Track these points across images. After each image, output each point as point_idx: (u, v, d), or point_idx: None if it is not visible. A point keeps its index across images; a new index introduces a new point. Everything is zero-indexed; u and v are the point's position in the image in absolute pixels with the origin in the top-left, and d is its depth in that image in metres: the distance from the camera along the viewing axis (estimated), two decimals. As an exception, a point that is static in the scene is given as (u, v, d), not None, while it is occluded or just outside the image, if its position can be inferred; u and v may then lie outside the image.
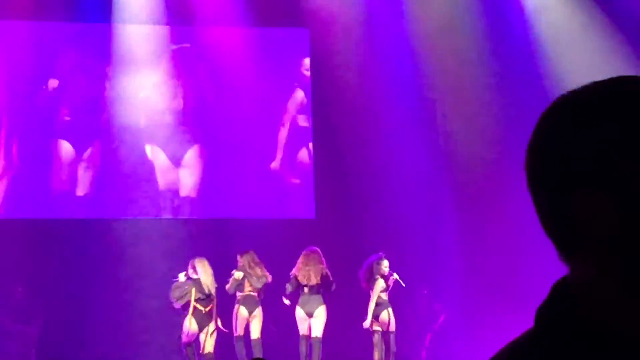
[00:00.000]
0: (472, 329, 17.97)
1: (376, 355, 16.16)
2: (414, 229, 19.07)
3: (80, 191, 18.67)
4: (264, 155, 19.44)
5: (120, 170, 18.79)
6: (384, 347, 16.16)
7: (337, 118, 19.43)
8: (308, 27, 19.71)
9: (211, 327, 15.76)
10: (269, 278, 16.26)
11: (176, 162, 19.15)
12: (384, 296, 16.21)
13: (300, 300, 16.21)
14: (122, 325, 17.54)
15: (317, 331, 16.06)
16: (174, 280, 15.93)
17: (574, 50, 19.12)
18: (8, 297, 17.02)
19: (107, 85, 18.95)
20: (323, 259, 16.28)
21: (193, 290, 15.69)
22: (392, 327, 16.14)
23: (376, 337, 16.19)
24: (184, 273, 15.90)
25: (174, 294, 15.79)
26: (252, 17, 19.29)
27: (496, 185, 19.33)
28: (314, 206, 19.55)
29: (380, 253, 16.32)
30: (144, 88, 19.12)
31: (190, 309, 15.67)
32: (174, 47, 19.25)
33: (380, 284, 16.10)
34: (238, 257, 16.41)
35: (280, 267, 17.93)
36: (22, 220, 18.31)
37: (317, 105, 19.69)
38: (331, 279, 16.15)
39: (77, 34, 18.92)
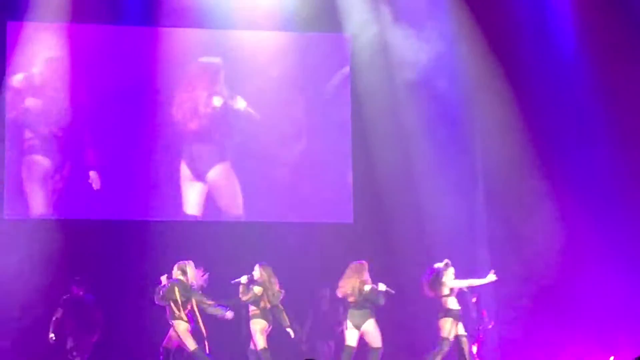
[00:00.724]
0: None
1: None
2: (451, 235, 19.02)
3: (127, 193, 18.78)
4: (301, 159, 19.46)
5: (162, 173, 18.90)
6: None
7: (376, 122, 19.42)
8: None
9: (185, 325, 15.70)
10: (282, 294, 16.27)
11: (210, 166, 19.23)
12: (454, 305, 16.31)
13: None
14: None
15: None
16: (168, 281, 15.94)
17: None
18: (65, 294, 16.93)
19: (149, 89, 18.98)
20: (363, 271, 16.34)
21: (177, 290, 15.70)
22: (462, 332, 16.31)
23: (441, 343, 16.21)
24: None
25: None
26: (291, 21, 19.36)
27: (533, 188, 19.28)
28: (352, 210, 19.46)
29: (446, 260, 16.39)
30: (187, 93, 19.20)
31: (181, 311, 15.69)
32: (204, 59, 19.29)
33: (445, 290, 16.18)
34: (259, 269, 16.32)
35: (315, 271, 18.00)
36: (74, 221, 18.38)
37: (356, 109, 19.66)
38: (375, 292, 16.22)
39: (120, 37, 18.96)
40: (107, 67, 18.64)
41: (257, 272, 16.20)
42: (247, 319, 16.26)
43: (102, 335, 16.98)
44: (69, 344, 16.77)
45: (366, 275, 16.27)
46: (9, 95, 18.30)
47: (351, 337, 16.16)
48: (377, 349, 16.24)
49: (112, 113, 18.64)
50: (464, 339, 16.23)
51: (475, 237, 19.34)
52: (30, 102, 18.34)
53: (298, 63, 19.48)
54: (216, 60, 19.24)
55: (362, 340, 16.22)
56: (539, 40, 19.68)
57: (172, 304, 15.63)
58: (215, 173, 19.20)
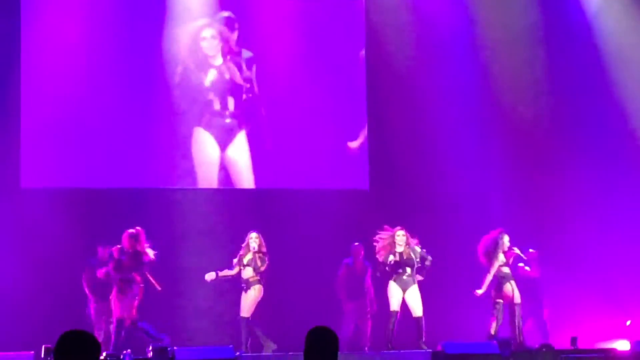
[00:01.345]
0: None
1: (494, 325, 16.37)
2: (466, 203, 19.11)
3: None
4: (319, 127, 19.46)
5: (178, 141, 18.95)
6: (503, 318, 16.43)
7: (392, 89, 19.47)
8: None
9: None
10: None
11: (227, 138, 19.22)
12: (506, 270, 16.44)
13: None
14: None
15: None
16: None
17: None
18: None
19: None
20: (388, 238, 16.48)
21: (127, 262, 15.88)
22: (517, 299, 16.44)
23: (497, 309, 16.40)
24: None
25: None
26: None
27: (550, 157, 19.34)
28: (368, 177, 19.53)
29: (499, 228, 16.54)
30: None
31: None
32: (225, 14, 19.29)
33: (501, 257, 16.34)
34: (255, 235, 16.37)
35: (332, 237, 18.05)
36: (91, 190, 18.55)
37: (372, 78, 19.68)
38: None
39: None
40: (121, 31, 18.78)
41: (257, 241, 16.29)
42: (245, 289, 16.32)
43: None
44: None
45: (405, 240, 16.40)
46: (24, 66, 18.32)
47: (395, 303, 16.30)
48: (420, 317, 16.40)
49: (128, 81, 18.73)
50: (518, 307, 16.34)
51: (490, 198, 19.37)
52: (46, 71, 18.34)
53: (312, 26, 19.54)
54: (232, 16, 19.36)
55: (404, 306, 16.37)
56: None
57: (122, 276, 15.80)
58: (232, 141, 19.21)
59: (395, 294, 16.39)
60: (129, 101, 18.69)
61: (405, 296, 16.36)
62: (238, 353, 14.85)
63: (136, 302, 15.83)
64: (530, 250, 17.66)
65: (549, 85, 20.14)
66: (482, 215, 18.92)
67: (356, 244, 17.56)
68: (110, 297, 15.93)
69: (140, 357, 15.10)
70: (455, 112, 19.61)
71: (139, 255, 15.84)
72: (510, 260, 16.57)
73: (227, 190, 19.18)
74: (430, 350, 16.21)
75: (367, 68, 19.66)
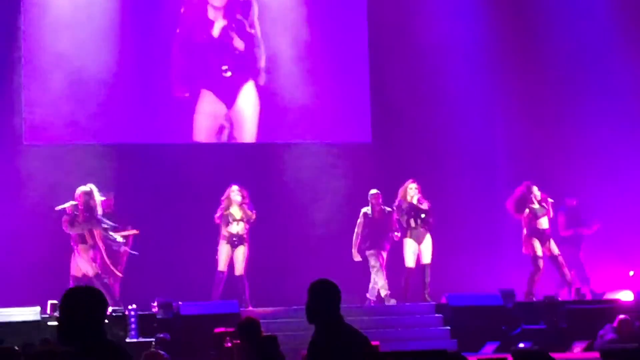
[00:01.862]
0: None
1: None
2: (468, 154, 19.15)
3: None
4: (321, 83, 19.44)
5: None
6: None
7: (394, 44, 19.51)
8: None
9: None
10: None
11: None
12: (545, 223, 16.65)
13: None
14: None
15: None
16: None
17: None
18: None
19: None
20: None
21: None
22: (556, 251, 16.73)
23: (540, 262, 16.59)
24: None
25: None
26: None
27: (557, 107, 19.31)
28: (371, 131, 19.52)
29: (526, 182, 16.78)
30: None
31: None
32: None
33: (537, 208, 16.61)
34: (236, 188, 16.55)
35: (338, 189, 18.11)
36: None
37: (374, 38, 19.69)
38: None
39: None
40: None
41: (240, 193, 16.50)
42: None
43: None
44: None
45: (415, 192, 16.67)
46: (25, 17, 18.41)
47: (411, 259, 16.76)
48: (427, 265, 16.75)
49: (131, 38, 18.78)
50: (560, 258, 16.45)
51: (496, 152, 19.41)
52: (49, 35, 18.39)
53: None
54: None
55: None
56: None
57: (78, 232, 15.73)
58: (240, 95, 19.25)
59: (410, 250, 16.56)
60: (131, 59, 18.70)
61: (421, 247, 16.64)
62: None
63: (96, 258, 15.70)
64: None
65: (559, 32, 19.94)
66: (486, 166, 18.99)
67: (374, 191, 17.12)
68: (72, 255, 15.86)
69: (146, 312, 15.25)
70: (456, 64, 19.62)
71: (92, 210, 15.73)
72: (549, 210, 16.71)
73: (230, 145, 19.19)
74: (435, 302, 16.33)
75: (368, 22, 19.57)
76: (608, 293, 16.77)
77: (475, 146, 19.35)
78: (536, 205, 16.53)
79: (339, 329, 7.27)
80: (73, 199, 15.71)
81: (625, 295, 16.16)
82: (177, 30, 19.04)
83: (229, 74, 19.09)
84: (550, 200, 16.70)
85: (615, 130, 19.19)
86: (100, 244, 15.63)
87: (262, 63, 19.32)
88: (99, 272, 15.62)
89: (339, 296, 7.21)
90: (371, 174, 18.01)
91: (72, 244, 15.69)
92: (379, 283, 16.62)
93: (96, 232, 15.68)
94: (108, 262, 15.65)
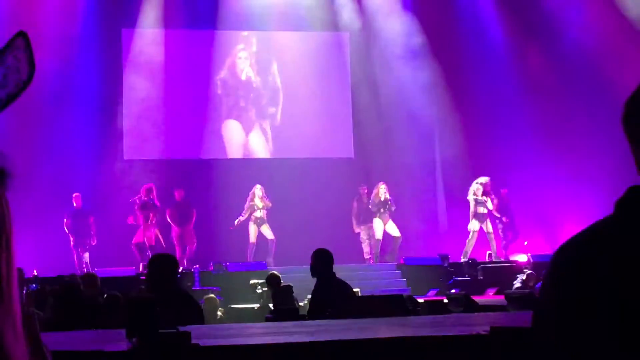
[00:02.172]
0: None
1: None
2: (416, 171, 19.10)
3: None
4: (317, 113, 19.18)
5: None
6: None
7: (372, 78, 19.21)
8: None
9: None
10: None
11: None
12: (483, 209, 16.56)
13: None
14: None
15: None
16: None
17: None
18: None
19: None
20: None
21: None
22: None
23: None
24: None
25: None
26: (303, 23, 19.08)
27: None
28: (353, 148, 19.26)
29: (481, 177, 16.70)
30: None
31: None
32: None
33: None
34: (259, 187, 16.54)
35: (325, 197, 18.10)
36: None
37: (356, 70, 19.30)
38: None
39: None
40: (189, 56, 18.68)
41: (261, 190, 16.56)
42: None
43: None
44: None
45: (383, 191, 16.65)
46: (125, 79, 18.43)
47: (379, 233, 16.58)
48: (398, 237, 16.64)
49: (189, 85, 18.68)
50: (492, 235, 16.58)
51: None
52: (140, 84, 18.44)
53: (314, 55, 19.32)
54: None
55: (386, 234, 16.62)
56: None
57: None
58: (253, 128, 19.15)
59: (379, 227, 16.59)
60: (189, 95, 18.60)
61: (386, 227, 16.54)
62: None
63: (152, 232, 16.08)
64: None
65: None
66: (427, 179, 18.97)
67: (363, 186, 17.35)
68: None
69: (205, 269, 15.35)
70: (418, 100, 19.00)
71: (152, 201, 16.11)
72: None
73: (249, 159, 18.99)
74: (396, 263, 16.42)
75: (350, 59, 19.34)
76: (510, 256, 16.81)
77: (421, 164, 19.21)
78: (480, 197, 16.57)
79: (332, 282, 7.40)
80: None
81: (522, 258, 16.22)
82: (219, 75, 19.06)
83: (250, 113, 19.21)
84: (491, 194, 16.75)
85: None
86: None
87: (278, 103, 19.31)
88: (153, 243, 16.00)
89: (332, 259, 7.37)
90: (353, 180, 18.01)
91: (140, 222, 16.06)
92: (365, 249, 16.90)
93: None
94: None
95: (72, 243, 16.12)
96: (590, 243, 1.33)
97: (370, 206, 16.81)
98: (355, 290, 12.50)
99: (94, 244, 16.17)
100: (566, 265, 1.33)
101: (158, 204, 16.31)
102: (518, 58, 18.87)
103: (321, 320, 6.27)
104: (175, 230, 16.36)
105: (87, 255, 16.06)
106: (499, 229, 16.94)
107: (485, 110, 18.87)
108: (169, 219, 16.47)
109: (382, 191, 16.66)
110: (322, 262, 7.41)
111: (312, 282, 7.68)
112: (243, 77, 19.04)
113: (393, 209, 16.70)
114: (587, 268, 1.30)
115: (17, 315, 1.29)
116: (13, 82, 1.27)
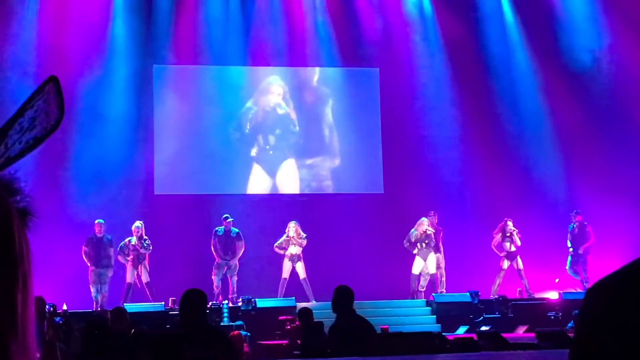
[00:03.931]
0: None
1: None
2: (462, 199, 19.11)
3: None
4: (346, 149, 19.29)
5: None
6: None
7: (402, 115, 19.24)
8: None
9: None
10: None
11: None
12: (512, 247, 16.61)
13: None
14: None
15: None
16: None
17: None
18: None
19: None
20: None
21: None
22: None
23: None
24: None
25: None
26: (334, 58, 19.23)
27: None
28: (383, 183, 19.14)
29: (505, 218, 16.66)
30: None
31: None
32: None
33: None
34: (293, 224, 16.36)
35: (355, 232, 18.06)
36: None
37: (386, 107, 19.32)
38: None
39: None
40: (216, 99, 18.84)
41: (295, 227, 16.39)
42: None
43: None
44: None
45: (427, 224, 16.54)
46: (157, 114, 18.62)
47: (416, 267, 16.40)
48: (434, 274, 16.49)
49: (217, 123, 18.76)
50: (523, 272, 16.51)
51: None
52: (171, 120, 18.61)
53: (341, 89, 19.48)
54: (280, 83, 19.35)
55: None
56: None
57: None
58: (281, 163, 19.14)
59: (417, 263, 16.48)
60: (219, 134, 18.74)
61: (427, 263, 16.40)
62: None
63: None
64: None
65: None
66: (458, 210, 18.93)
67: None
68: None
69: (234, 305, 15.32)
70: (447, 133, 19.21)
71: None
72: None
73: (278, 194, 18.87)
74: (426, 299, 16.31)
75: (381, 101, 19.44)
76: (540, 293, 16.67)
77: (468, 195, 19.17)
78: (508, 234, 16.54)
79: (351, 318, 7.40)
80: None
81: (552, 295, 16.08)
82: (249, 111, 19.08)
83: (272, 152, 19.06)
84: (516, 231, 16.70)
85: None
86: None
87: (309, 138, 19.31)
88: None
89: (353, 296, 7.40)
90: (383, 216, 17.96)
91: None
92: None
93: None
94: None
95: (90, 273, 15.64)
96: (631, 283, 1.26)
97: (405, 242, 16.69)
98: (383, 327, 12.45)
99: (110, 275, 15.77)
100: (607, 306, 1.25)
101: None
102: (550, 97, 19.00)
103: (349, 357, 6.23)
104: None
105: (106, 287, 15.65)
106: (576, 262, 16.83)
107: (515, 147, 18.95)
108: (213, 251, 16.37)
109: (425, 226, 16.51)
110: (343, 298, 7.42)
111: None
112: (273, 114, 19.11)
113: (433, 244, 16.57)
114: (629, 310, 1.23)
115: (33, 355, 1.29)
116: (41, 125, 1.29)
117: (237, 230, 16.38)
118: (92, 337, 6.99)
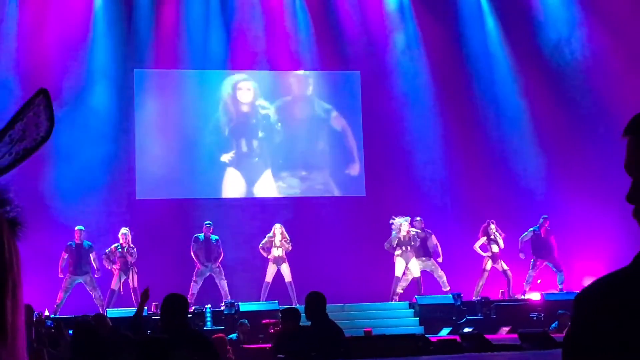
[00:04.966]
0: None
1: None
2: (443, 201, 19.15)
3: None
4: (329, 155, 19.32)
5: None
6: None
7: (383, 118, 19.19)
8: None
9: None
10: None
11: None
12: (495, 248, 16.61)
13: None
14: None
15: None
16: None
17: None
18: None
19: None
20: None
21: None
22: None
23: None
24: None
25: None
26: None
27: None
28: (365, 186, 19.10)
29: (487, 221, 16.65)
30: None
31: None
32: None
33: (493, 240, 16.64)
34: (279, 226, 16.30)
35: (337, 235, 18.04)
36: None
37: (367, 111, 19.27)
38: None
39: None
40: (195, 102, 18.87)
41: (281, 229, 16.36)
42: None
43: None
44: None
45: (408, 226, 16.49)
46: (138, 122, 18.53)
47: (399, 270, 16.34)
48: (419, 277, 16.41)
49: (197, 127, 18.78)
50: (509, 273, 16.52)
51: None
52: (152, 124, 18.56)
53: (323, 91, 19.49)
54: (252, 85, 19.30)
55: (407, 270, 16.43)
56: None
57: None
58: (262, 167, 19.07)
59: (399, 266, 16.43)
60: (199, 138, 18.72)
61: (409, 265, 16.34)
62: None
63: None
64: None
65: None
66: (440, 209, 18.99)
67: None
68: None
69: (216, 309, 15.29)
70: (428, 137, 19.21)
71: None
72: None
73: (260, 198, 18.81)
74: (408, 301, 16.33)
75: (362, 107, 19.41)
76: (521, 295, 16.70)
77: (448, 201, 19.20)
78: (492, 236, 16.57)
79: (324, 323, 7.48)
80: None
81: (535, 296, 16.13)
82: (229, 114, 19.04)
83: (255, 159, 19.21)
84: (501, 233, 16.74)
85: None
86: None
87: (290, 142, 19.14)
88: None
89: (324, 301, 7.50)
90: (364, 219, 17.98)
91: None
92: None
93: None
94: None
95: (65, 279, 15.57)
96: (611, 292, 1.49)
97: (386, 245, 16.71)
98: (367, 329, 12.47)
99: (89, 280, 15.66)
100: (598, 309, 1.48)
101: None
102: (531, 98, 19.09)
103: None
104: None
105: (98, 292, 15.67)
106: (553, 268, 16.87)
107: (497, 147, 19.03)
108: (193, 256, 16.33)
109: (405, 228, 16.51)
110: (314, 305, 7.50)
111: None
112: (252, 117, 19.09)
113: (416, 245, 16.51)
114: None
115: None
116: (31, 137, 1.31)
117: (216, 237, 16.42)
118: (81, 342, 6.99)
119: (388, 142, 19.10)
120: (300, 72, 19.29)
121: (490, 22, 19.43)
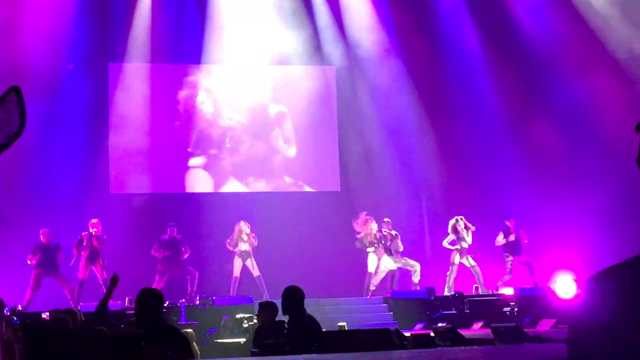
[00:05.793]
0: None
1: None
2: (417, 197, 19.18)
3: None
4: (300, 147, 19.33)
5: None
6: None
7: (358, 113, 19.32)
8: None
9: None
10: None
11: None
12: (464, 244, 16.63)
13: None
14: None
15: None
16: None
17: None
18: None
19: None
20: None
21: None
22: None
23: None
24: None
25: None
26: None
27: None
28: (339, 181, 19.21)
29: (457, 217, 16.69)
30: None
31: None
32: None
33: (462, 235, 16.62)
34: (243, 223, 16.42)
35: (312, 230, 18.07)
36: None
37: (342, 106, 19.40)
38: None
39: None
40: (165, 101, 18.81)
41: (247, 225, 16.45)
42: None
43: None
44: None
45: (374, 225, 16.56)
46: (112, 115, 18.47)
47: (372, 266, 16.41)
48: (396, 270, 16.53)
49: (172, 121, 18.76)
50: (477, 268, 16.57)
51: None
52: (126, 118, 18.49)
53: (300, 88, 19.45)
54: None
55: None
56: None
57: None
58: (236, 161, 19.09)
59: (372, 261, 16.51)
60: (174, 132, 18.68)
61: (382, 260, 16.44)
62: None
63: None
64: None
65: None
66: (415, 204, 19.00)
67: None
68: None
69: (191, 304, 15.26)
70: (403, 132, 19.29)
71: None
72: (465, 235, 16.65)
73: (235, 193, 18.78)
74: (382, 296, 16.36)
75: (337, 97, 19.43)
76: (495, 290, 16.77)
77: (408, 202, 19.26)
78: (460, 234, 16.63)
79: (301, 317, 7.49)
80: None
81: (508, 291, 16.20)
82: (204, 109, 19.03)
83: (224, 161, 19.14)
84: (471, 227, 16.79)
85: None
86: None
87: (266, 136, 19.36)
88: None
89: (302, 296, 7.51)
90: (339, 214, 18.00)
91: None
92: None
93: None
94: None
95: (33, 278, 15.44)
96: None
97: (358, 244, 16.76)
98: (341, 324, 12.47)
99: (56, 276, 15.63)
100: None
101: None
102: (505, 97, 19.15)
103: (307, 355, 6.26)
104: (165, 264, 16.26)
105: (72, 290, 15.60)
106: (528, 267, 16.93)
107: (470, 144, 19.08)
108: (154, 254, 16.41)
109: (375, 228, 16.61)
110: (291, 299, 7.49)
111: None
112: (227, 111, 19.07)
113: (389, 244, 16.66)
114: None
115: None
116: (3, 133, 1.31)
117: (178, 237, 16.44)
118: (31, 343, 6.92)
119: (363, 138, 19.23)
120: (277, 66, 19.23)
121: (467, 18, 19.46)
